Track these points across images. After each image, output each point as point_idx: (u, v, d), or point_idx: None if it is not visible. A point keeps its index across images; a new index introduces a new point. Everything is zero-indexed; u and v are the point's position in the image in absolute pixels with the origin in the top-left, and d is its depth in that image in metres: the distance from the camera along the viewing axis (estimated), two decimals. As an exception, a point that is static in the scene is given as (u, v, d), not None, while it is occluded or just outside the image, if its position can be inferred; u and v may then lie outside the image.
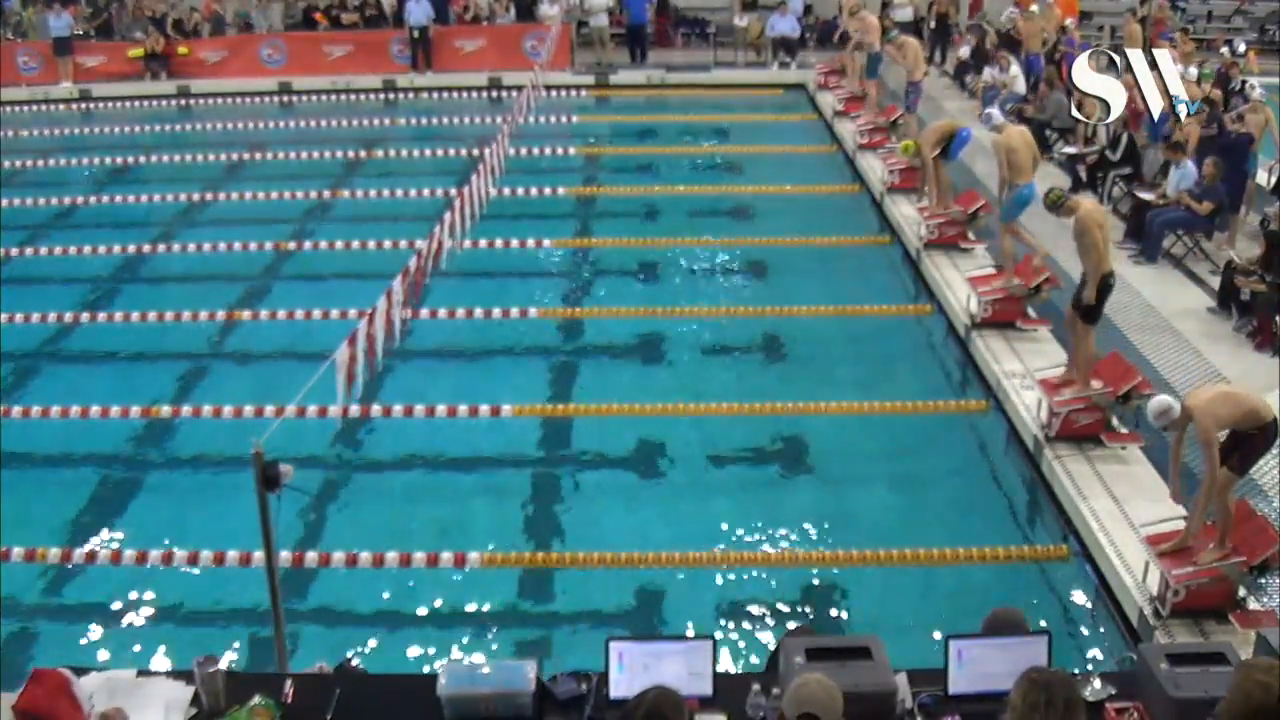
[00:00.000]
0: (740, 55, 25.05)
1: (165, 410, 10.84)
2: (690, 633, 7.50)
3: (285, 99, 23.91)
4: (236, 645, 7.68)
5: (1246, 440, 7.36)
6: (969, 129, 14.59)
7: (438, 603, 8.22)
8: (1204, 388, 7.76)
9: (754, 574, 8.46)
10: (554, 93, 20.76)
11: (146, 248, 15.06)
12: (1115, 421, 9.51)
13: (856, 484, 9.78)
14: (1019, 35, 21.42)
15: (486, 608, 8.19)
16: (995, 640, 5.15)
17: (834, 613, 8.13)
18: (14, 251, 14.75)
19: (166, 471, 10.20)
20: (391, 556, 8.35)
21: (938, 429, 10.48)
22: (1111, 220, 14.71)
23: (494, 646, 7.73)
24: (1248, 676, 4.09)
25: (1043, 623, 7.80)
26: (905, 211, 15.12)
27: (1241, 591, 7.38)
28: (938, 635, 6.53)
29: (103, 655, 7.61)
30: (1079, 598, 8.21)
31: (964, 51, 22.21)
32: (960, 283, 12.55)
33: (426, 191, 16.14)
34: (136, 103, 23.23)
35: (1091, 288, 9.42)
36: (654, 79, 24.09)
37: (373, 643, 7.78)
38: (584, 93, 23.42)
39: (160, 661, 7.53)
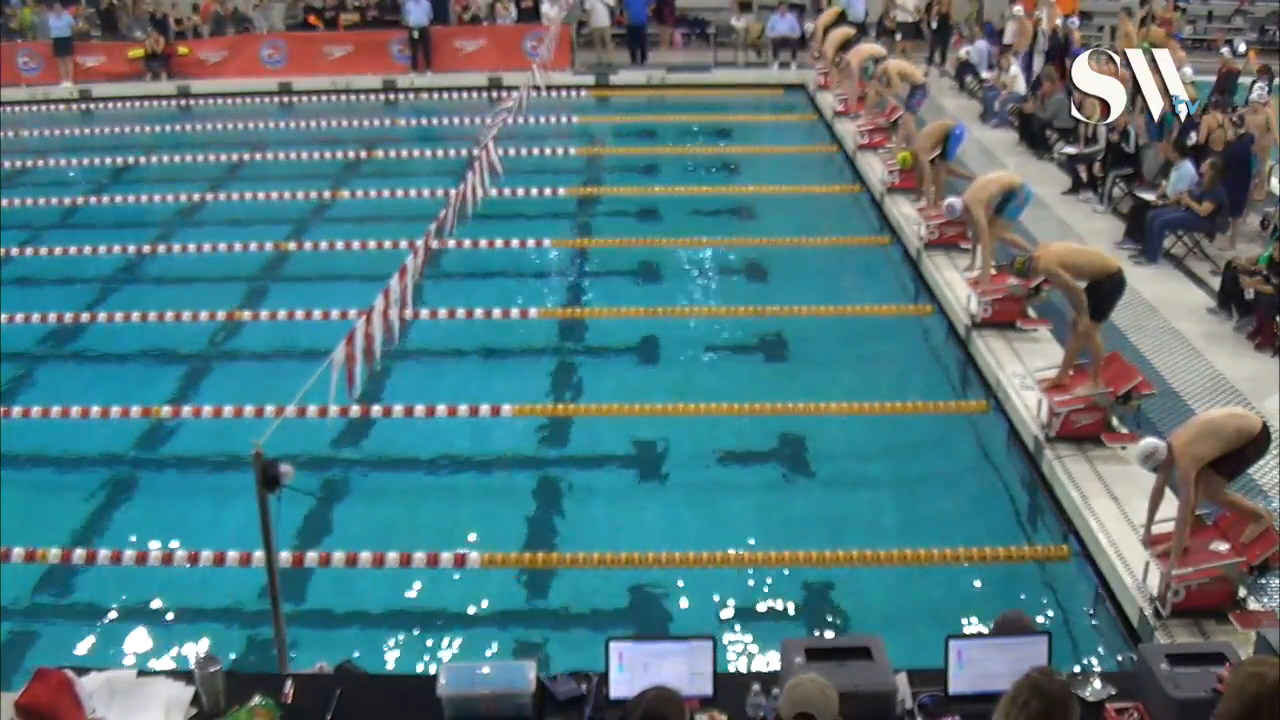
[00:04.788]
0: (740, 55, 25.05)
1: (165, 410, 10.83)
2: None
3: (285, 99, 23.91)
4: (236, 645, 7.68)
5: (1238, 452, 7.36)
6: (962, 125, 14.62)
7: (438, 603, 8.21)
8: (1188, 423, 7.68)
9: (754, 574, 8.45)
10: (554, 93, 20.76)
11: (146, 248, 15.05)
12: (1115, 421, 9.52)
13: (856, 484, 9.78)
14: (1020, 36, 21.44)
15: (486, 608, 8.19)
16: (995, 640, 5.17)
17: (834, 613, 8.12)
18: (14, 251, 14.74)
19: (166, 471, 10.20)
20: (391, 556, 8.34)
21: (938, 429, 10.48)
22: (1111, 221, 14.77)
23: (494, 646, 7.71)
24: (1242, 670, 4.16)
25: (1044, 619, 7.84)
26: (905, 211, 15.12)
27: (1241, 591, 7.37)
28: (938, 636, 6.51)
29: (103, 655, 7.61)
30: (1079, 598, 8.20)
31: (965, 51, 22.18)
32: (960, 283, 12.55)
33: (426, 191, 16.11)
34: (136, 103, 23.24)
35: (1078, 300, 9.55)
36: (654, 79, 24.10)
37: (373, 643, 7.78)
38: (584, 93, 23.42)
39: (160, 661, 7.54)
